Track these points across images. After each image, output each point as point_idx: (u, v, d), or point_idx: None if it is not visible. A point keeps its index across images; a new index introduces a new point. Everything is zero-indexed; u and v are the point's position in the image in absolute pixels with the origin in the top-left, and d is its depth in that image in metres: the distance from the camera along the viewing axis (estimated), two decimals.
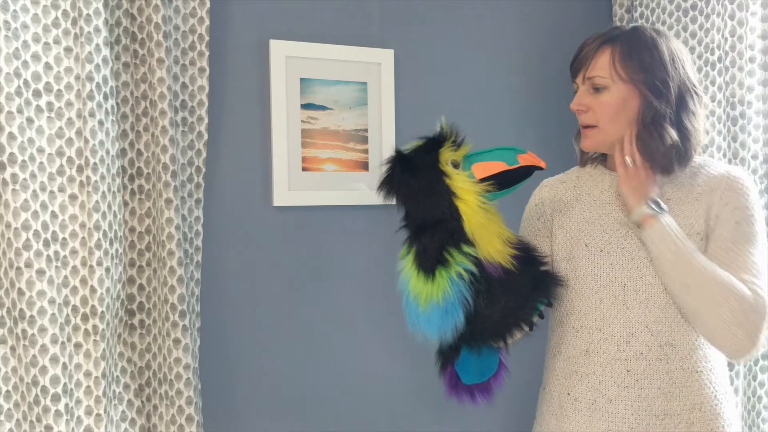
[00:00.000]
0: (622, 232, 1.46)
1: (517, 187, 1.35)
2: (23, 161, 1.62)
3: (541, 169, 1.35)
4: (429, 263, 1.29)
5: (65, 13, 1.66)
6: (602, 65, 1.42)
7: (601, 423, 1.45)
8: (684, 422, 1.43)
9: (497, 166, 1.33)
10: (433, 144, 1.32)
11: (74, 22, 1.66)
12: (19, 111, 1.61)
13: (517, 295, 1.34)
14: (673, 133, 1.40)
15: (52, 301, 1.63)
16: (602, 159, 1.55)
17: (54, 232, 1.65)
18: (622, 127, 1.43)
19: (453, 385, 1.44)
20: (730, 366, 2.02)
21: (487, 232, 1.30)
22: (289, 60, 1.99)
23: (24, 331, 1.62)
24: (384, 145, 2.10)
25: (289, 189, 2.00)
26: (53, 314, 1.63)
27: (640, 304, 1.43)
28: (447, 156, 1.30)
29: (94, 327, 1.68)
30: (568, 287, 1.49)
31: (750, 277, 1.36)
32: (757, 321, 1.33)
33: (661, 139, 1.40)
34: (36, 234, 1.62)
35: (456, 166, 1.31)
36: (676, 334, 1.43)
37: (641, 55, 1.41)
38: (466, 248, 1.29)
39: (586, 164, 1.57)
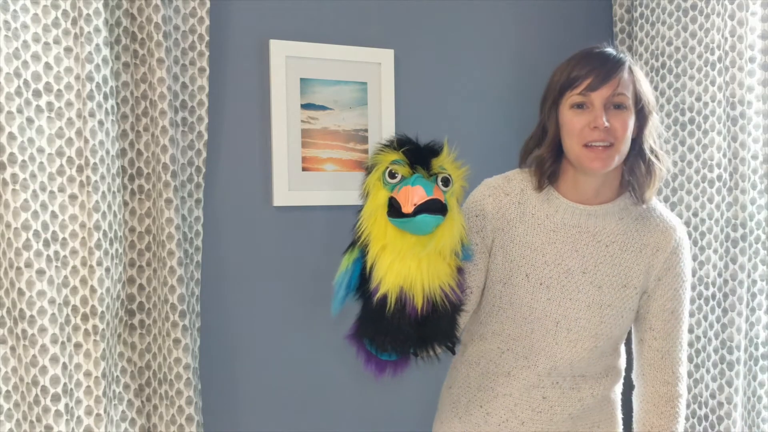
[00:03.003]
0: (564, 267, 1.45)
1: (401, 224, 1.18)
2: (23, 161, 1.62)
3: (405, 215, 1.17)
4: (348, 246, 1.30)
5: (65, 13, 1.66)
6: (627, 84, 1.39)
7: None
8: None
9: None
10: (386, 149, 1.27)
11: (74, 22, 1.66)
12: (19, 111, 1.61)
13: (384, 328, 1.24)
14: (668, 162, 1.45)
15: (52, 301, 1.63)
16: (551, 179, 1.48)
17: (54, 232, 1.65)
18: (624, 153, 1.41)
19: (353, 336, 1.34)
20: (729, 366, 2.02)
21: (388, 255, 1.22)
22: (289, 60, 1.98)
23: (24, 331, 1.62)
24: None
25: (289, 189, 2.00)
26: (53, 314, 1.63)
27: (569, 343, 1.45)
28: (386, 161, 1.24)
29: (94, 327, 1.68)
30: (501, 309, 1.47)
31: (679, 369, 1.50)
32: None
33: (659, 170, 1.44)
34: (36, 234, 1.62)
35: (393, 176, 1.22)
36: (590, 368, 1.49)
37: (646, 83, 1.43)
38: (355, 251, 1.27)
39: (543, 188, 1.48)
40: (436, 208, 1.16)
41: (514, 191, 1.49)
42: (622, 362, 1.57)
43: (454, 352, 1.35)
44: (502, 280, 1.47)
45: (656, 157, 1.44)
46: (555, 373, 1.47)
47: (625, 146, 1.40)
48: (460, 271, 1.27)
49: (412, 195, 1.16)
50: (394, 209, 1.18)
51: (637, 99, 1.40)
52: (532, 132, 1.51)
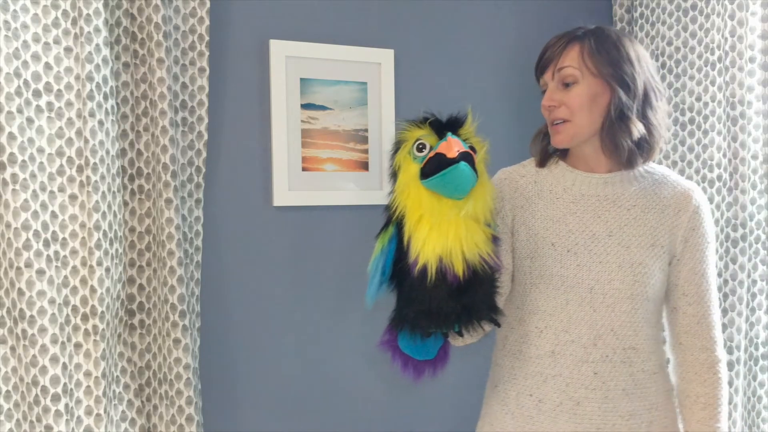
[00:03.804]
0: (588, 233, 1.46)
1: (443, 176, 1.19)
2: (23, 161, 1.62)
3: (444, 163, 1.19)
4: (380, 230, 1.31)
5: (65, 13, 1.66)
6: (572, 58, 1.43)
7: (567, 424, 1.45)
8: (645, 422, 1.48)
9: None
10: (413, 126, 1.29)
11: (74, 22, 1.66)
12: (19, 111, 1.61)
13: (426, 306, 1.23)
14: (640, 127, 1.43)
15: (52, 301, 1.63)
16: (562, 155, 1.54)
17: (54, 232, 1.65)
18: (594, 120, 1.44)
19: (388, 341, 1.35)
20: (730, 366, 2.02)
21: (425, 225, 1.22)
22: (289, 60, 1.99)
23: (24, 331, 1.62)
24: (384, 145, 2.09)
25: (289, 189, 2.00)
26: (53, 314, 1.63)
27: (607, 308, 1.44)
28: (413, 137, 1.25)
29: (94, 327, 1.68)
30: (533, 286, 1.47)
31: (714, 332, 1.50)
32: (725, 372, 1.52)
33: (629, 132, 1.43)
34: (36, 234, 1.62)
35: (420, 149, 1.24)
36: (639, 338, 1.46)
37: (609, 50, 1.43)
38: (390, 230, 1.28)
39: (545, 164, 1.54)
40: (472, 163, 1.19)
41: (530, 173, 1.54)
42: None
43: (498, 324, 1.34)
44: (529, 255, 1.48)
45: (623, 122, 1.43)
46: (601, 344, 1.44)
47: (587, 118, 1.43)
48: (494, 240, 1.29)
49: (453, 143, 1.19)
50: (428, 173, 1.20)
51: (594, 70, 1.42)
52: None
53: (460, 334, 1.32)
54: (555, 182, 1.51)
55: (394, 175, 1.29)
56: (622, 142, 1.43)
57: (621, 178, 1.49)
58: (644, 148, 1.45)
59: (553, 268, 1.46)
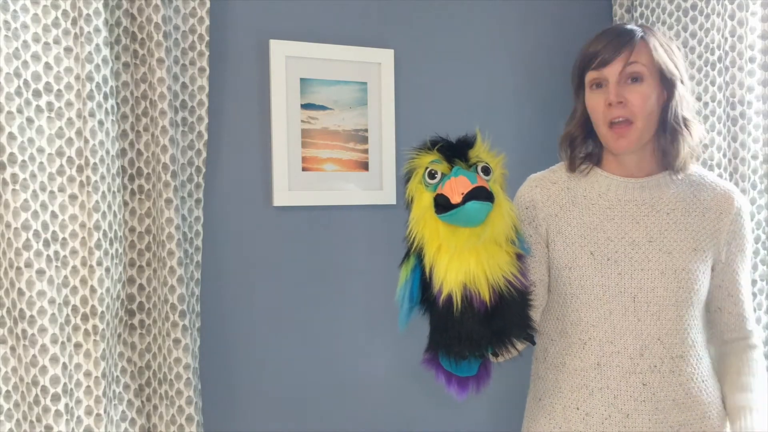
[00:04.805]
0: (628, 240, 1.42)
1: (451, 216, 1.16)
2: (23, 161, 1.62)
3: (451, 205, 1.16)
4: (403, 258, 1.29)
5: (65, 13, 1.66)
6: (644, 54, 1.38)
7: None
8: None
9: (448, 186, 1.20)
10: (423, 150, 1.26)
11: (74, 22, 1.66)
12: (19, 111, 1.61)
13: (456, 333, 1.21)
14: (701, 131, 1.41)
15: (52, 301, 1.63)
16: (594, 159, 1.49)
17: (54, 232, 1.65)
18: (652, 123, 1.39)
19: (430, 359, 1.32)
20: None
21: (444, 254, 1.20)
22: (289, 60, 1.99)
23: (24, 331, 1.62)
24: (384, 145, 2.10)
25: (289, 189, 2.00)
26: (53, 314, 1.63)
27: (652, 316, 1.40)
28: (423, 164, 1.23)
29: (94, 327, 1.68)
30: (573, 296, 1.43)
31: (749, 325, 1.51)
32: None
33: (691, 136, 1.40)
34: (36, 234, 1.62)
35: (432, 176, 1.21)
36: (686, 347, 1.42)
37: (669, 52, 1.40)
38: (411, 260, 1.25)
39: (576, 169, 1.49)
40: (483, 195, 1.15)
41: (561, 179, 1.50)
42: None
43: (533, 342, 1.30)
44: (567, 264, 1.44)
45: (685, 125, 1.40)
46: (648, 354, 1.40)
47: (648, 120, 1.39)
48: (520, 258, 1.26)
49: (457, 185, 1.15)
50: (441, 206, 1.17)
51: (657, 68, 1.38)
52: (567, 118, 1.51)
53: (495, 356, 1.29)
54: (589, 187, 1.47)
55: (408, 205, 1.26)
56: (680, 147, 1.40)
57: (658, 181, 1.44)
58: (695, 149, 1.43)
59: (594, 278, 1.41)
